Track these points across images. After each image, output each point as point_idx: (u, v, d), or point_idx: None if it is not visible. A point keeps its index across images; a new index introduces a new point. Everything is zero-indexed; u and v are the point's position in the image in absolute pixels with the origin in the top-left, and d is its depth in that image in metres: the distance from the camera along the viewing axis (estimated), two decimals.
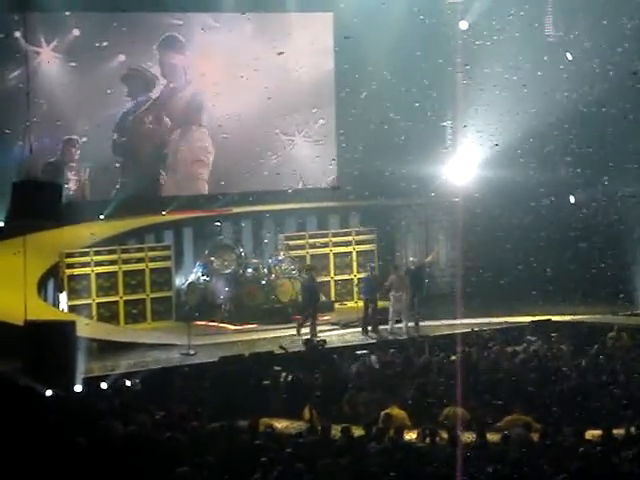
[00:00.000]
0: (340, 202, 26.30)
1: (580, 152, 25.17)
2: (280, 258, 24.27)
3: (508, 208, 25.31)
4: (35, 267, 20.69)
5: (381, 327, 22.00)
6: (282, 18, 26.12)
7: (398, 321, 22.12)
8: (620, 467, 11.46)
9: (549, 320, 21.89)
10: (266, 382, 17.96)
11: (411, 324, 22.07)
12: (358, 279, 24.47)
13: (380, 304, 22.64)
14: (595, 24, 23.94)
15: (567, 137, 25.15)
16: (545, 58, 24.54)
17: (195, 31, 25.23)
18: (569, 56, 24.16)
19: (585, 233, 24.90)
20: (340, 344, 20.74)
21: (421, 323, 22.19)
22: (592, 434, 13.58)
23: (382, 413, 15.36)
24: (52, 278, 22.07)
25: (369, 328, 21.86)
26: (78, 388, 16.91)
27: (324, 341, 20.32)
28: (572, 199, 25.33)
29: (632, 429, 13.65)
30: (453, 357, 18.57)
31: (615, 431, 13.68)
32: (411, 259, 23.67)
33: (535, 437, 13.32)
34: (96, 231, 22.82)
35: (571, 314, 22.85)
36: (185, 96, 25.43)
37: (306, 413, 15.97)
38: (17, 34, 22.67)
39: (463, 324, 21.97)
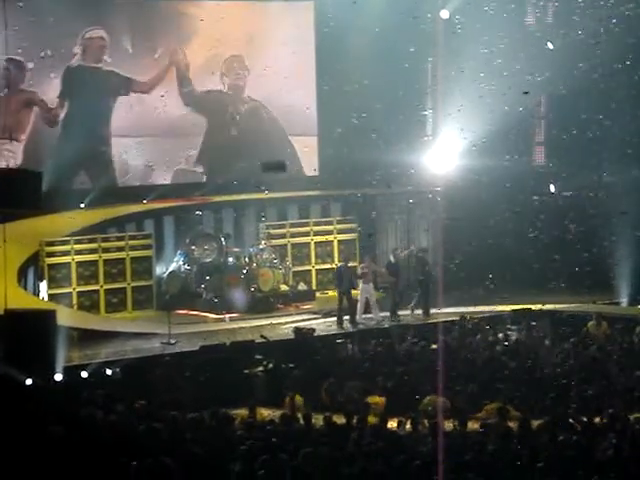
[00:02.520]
0: (321, 191, 26.29)
1: (560, 142, 25.24)
2: (261, 247, 24.26)
3: (488, 197, 25.35)
4: (15, 256, 20.65)
5: (364, 316, 21.99)
6: (263, 7, 26.06)
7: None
8: (599, 455, 11.51)
9: (529, 309, 21.96)
10: (247, 371, 17.99)
11: (384, 314, 22.02)
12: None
13: (379, 294, 22.62)
14: (573, 14, 23.96)
15: (548, 126, 25.21)
16: (526, 48, 24.55)
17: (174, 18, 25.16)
18: (550, 45, 24.20)
19: (565, 222, 24.98)
20: (322, 333, 20.72)
21: (401, 312, 22.21)
22: (571, 422, 13.64)
23: (363, 401, 15.41)
24: (32, 267, 21.97)
25: (344, 319, 21.71)
26: (58, 377, 16.89)
27: (313, 329, 20.31)
28: (552, 188, 25.40)
29: (611, 417, 13.71)
30: (434, 346, 18.62)
31: (595, 419, 13.77)
32: (393, 253, 23.49)
33: (514, 425, 13.37)
34: (77, 220, 22.73)
35: (551, 303, 22.95)
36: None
37: (288, 402, 16.01)
38: None
39: (444, 313, 22.07)
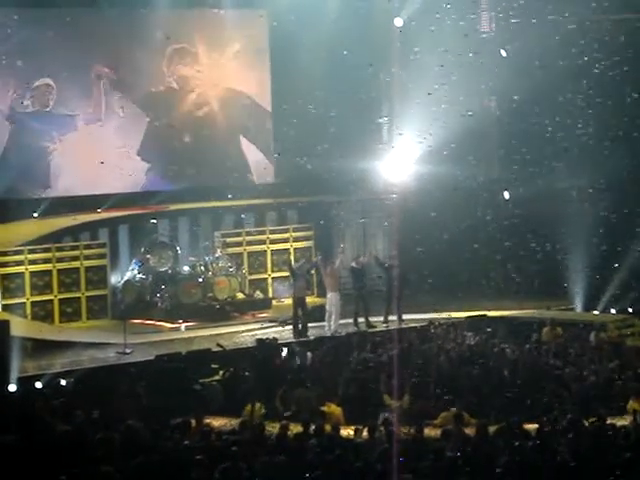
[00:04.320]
0: (277, 199, 26.26)
1: (515, 148, 25.41)
2: (217, 255, 24.19)
3: (444, 204, 25.45)
4: None
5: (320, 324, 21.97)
6: (217, 16, 25.99)
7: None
8: (555, 459, 11.56)
9: (484, 316, 22.08)
10: (203, 380, 17.90)
11: (345, 321, 22.00)
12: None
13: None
14: (529, 20, 24.12)
15: (502, 133, 25.37)
16: (480, 54, 24.70)
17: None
18: (503, 52, 24.37)
19: (519, 229, 25.14)
20: (280, 341, 20.64)
21: (359, 319, 22.22)
22: (527, 427, 13.70)
23: (317, 410, 15.39)
24: None
25: (299, 327, 21.58)
26: (12, 387, 16.72)
27: (275, 339, 20.23)
28: (506, 195, 25.56)
29: (566, 421, 13.79)
30: (389, 353, 18.63)
31: (550, 424, 13.83)
32: (355, 261, 23.43)
33: (470, 432, 13.41)
34: (30, 229, 22.51)
35: (506, 309, 23.08)
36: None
37: (247, 410, 15.96)
38: None
39: (399, 320, 22.11)
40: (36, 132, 23.83)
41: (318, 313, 22.33)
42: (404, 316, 22.25)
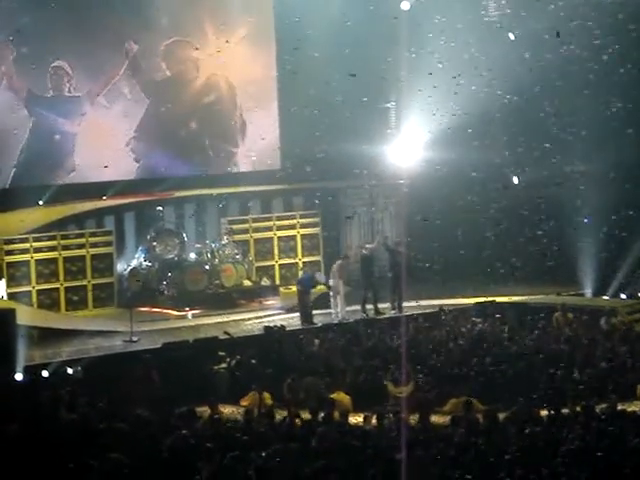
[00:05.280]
0: (284, 185, 26.09)
1: (524, 133, 25.22)
2: (223, 242, 24.07)
3: (452, 190, 25.29)
4: None
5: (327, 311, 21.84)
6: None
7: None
8: (565, 446, 11.44)
9: (493, 301, 21.95)
10: (211, 368, 17.81)
11: (353, 308, 21.86)
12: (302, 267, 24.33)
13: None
14: (537, 3, 23.90)
15: (512, 118, 25.17)
16: (489, 38, 24.49)
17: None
18: (511, 36, 24.16)
19: (528, 214, 24.97)
20: (288, 329, 20.50)
21: (368, 306, 22.05)
22: (538, 414, 13.59)
23: (327, 397, 15.31)
24: None
25: (306, 315, 21.32)
26: (19, 376, 16.65)
27: (283, 327, 20.10)
28: (515, 180, 25.38)
29: (577, 408, 13.68)
30: (398, 340, 18.53)
31: (561, 410, 13.73)
32: (367, 246, 23.28)
33: (480, 418, 13.30)
34: (35, 217, 22.41)
35: (515, 295, 22.95)
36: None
37: (255, 398, 15.89)
38: None
39: (408, 306, 21.99)
40: (49, 118, 23.56)
41: (324, 300, 22.14)
42: (414, 302, 22.09)
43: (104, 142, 23.89)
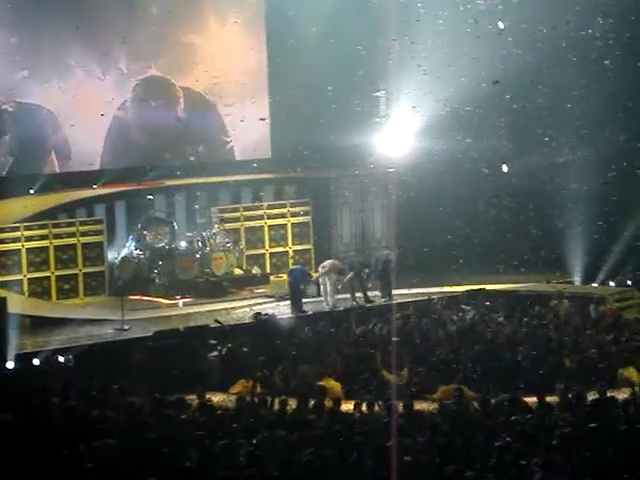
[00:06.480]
0: (275, 174, 26.11)
1: (514, 121, 25.28)
2: (214, 231, 24.08)
3: (442, 178, 25.34)
4: None
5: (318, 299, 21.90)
6: None
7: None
8: (555, 433, 11.53)
9: (483, 289, 22.02)
10: (202, 356, 17.86)
11: (344, 296, 21.93)
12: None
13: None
14: None
15: (501, 106, 25.19)
16: (480, 27, 24.49)
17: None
18: (501, 25, 24.16)
19: (517, 202, 25.03)
20: (278, 317, 20.57)
21: (357, 294, 22.11)
22: (527, 401, 13.67)
23: (316, 385, 15.37)
24: None
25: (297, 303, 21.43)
26: (10, 365, 16.69)
27: (274, 315, 20.15)
28: (505, 168, 25.43)
29: (568, 395, 13.76)
30: (388, 328, 18.58)
31: (550, 398, 13.81)
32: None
33: (470, 406, 13.37)
34: (26, 206, 22.40)
35: (505, 283, 23.02)
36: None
37: (244, 386, 15.94)
38: None
39: (398, 295, 22.06)
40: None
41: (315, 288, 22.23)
42: (404, 290, 22.17)
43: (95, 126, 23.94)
